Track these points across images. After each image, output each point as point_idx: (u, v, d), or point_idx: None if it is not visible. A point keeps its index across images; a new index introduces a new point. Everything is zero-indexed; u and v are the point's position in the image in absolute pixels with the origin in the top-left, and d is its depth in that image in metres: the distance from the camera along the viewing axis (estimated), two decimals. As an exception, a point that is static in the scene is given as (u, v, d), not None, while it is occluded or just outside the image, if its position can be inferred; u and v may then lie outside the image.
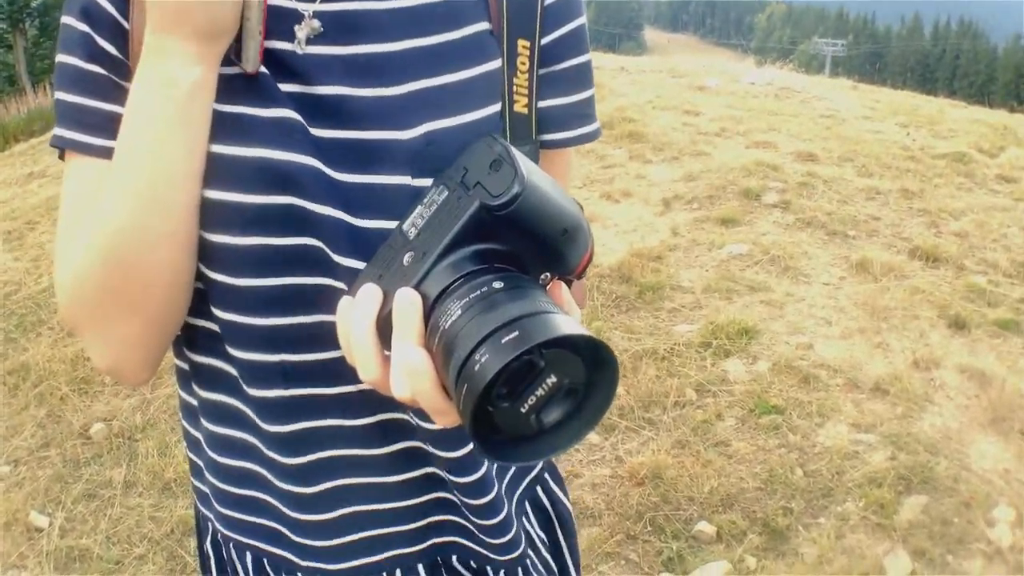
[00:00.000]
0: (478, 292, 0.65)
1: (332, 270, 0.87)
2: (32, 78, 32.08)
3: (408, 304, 0.68)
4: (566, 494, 1.25)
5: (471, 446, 0.95)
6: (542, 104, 0.98)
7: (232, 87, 0.85)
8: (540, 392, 0.62)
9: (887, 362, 4.25)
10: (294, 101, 0.86)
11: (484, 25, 0.93)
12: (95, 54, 0.87)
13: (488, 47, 0.93)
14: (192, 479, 1.14)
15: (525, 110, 0.96)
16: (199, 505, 1.16)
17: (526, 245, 0.72)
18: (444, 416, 0.67)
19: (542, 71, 0.97)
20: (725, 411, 3.88)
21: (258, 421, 0.97)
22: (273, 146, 0.84)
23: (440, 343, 0.65)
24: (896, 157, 7.61)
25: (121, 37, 0.86)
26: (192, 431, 1.10)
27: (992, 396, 4.01)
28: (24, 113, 16.80)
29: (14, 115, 16.85)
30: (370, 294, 0.72)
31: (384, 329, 0.70)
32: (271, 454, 0.98)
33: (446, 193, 0.73)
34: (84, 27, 0.86)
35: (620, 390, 3.87)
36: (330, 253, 0.86)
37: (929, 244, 5.63)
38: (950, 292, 5.04)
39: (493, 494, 1.01)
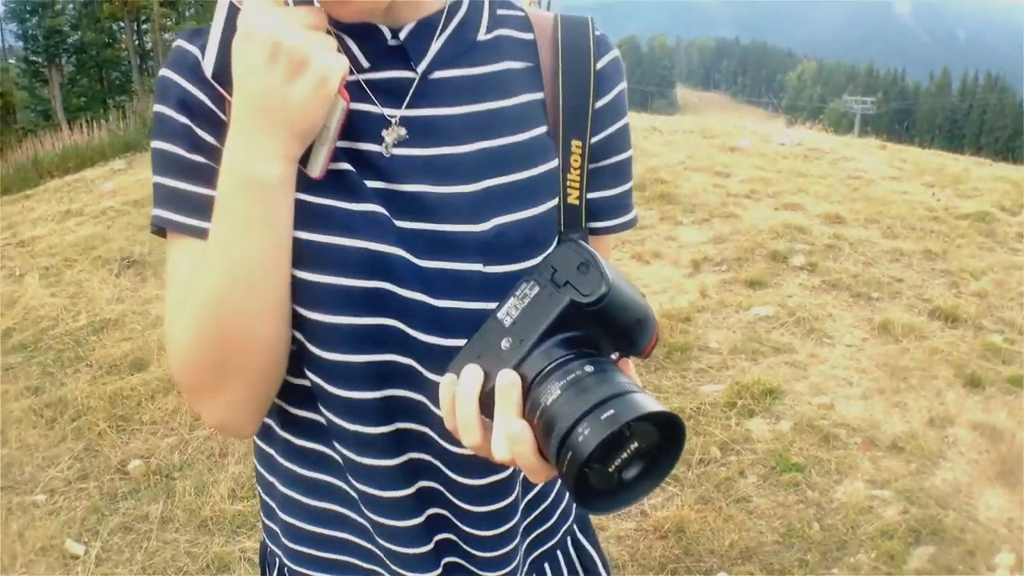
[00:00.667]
0: (573, 375, 0.78)
1: (412, 347, 0.99)
2: (68, 115, 32.39)
3: (510, 383, 0.79)
4: (596, 545, 1.34)
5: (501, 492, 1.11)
6: (590, 195, 1.09)
7: (322, 182, 0.96)
8: (624, 455, 0.75)
9: (904, 420, 4.47)
10: (379, 196, 0.97)
11: (543, 128, 1.04)
12: (197, 144, 0.97)
13: (547, 149, 1.04)
14: (263, 518, 1.24)
15: (577, 202, 1.07)
16: (268, 542, 1.25)
17: (604, 332, 0.84)
18: (538, 474, 0.80)
19: (591, 166, 1.08)
20: (748, 468, 4.11)
21: (347, 470, 1.08)
22: (366, 237, 0.95)
23: (541, 418, 0.77)
24: (921, 218, 7.80)
25: (218, 127, 0.96)
26: (267, 475, 1.18)
27: (1002, 450, 4.23)
28: (59, 149, 17.01)
29: (48, 150, 17.15)
30: (473, 373, 0.82)
31: (486, 403, 0.82)
32: (361, 487, 1.07)
33: (537, 288, 0.84)
34: (184, 119, 0.97)
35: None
36: (411, 331, 0.98)
37: (949, 304, 5.83)
38: (967, 351, 5.25)
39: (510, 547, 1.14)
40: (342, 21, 0.95)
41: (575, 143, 1.05)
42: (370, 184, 0.98)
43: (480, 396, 0.82)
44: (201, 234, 0.96)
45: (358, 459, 1.04)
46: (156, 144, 0.99)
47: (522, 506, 1.15)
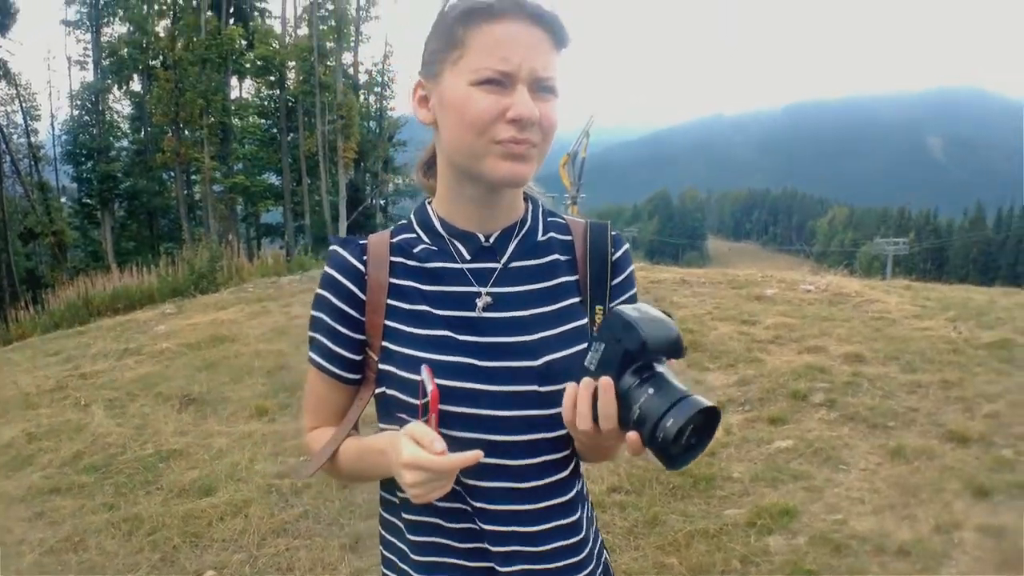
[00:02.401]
0: (651, 388, 1.26)
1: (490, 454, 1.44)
2: (117, 257, 33.53)
3: (608, 384, 1.28)
4: None
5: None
6: None
7: (427, 342, 1.49)
8: (688, 432, 1.23)
9: (912, 529, 4.80)
10: (468, 346, 1.48)
11: (577, 299, 1.55)
12: (343, 317, 1.54)
13: (580, 313, 1.55)
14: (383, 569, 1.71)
15: None
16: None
17: (654, 354, 1.29)
18: (611, 447, 1.50)
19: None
20: (766, 577, 4.46)
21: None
22: (459, 378, 1.46)
23: (637, 412, 1.26)
24: (940, 351, 8.14)
25: (358, 305, 1.53)
26: (390, 537, 1.66)
27: (1006, 546, 4.54)
28: (109, 290, 17.81)
29: (99, 290, 17.96)
30: (586, 383, 1.32)
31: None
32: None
33: (604, 345, 1.31)
34: (334, 299, 1.54)
35: (673, 560, 4.53)
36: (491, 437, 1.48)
37: (961, 427, 6.18)
38: (977, 466, 5.58)
39: None
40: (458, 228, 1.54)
41: (598, 308, 1.57)
42: (462, 338, 1.48)
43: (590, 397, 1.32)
44: (328, 373, 1.59)
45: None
46: (314, 312, 1.58)
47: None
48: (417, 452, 1.29)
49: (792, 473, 5.63)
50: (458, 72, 1.38)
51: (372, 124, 45.28)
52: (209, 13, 38.57)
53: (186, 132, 38.33)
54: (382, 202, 46.75)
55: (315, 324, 1.58)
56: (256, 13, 43.21)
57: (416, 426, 1.33)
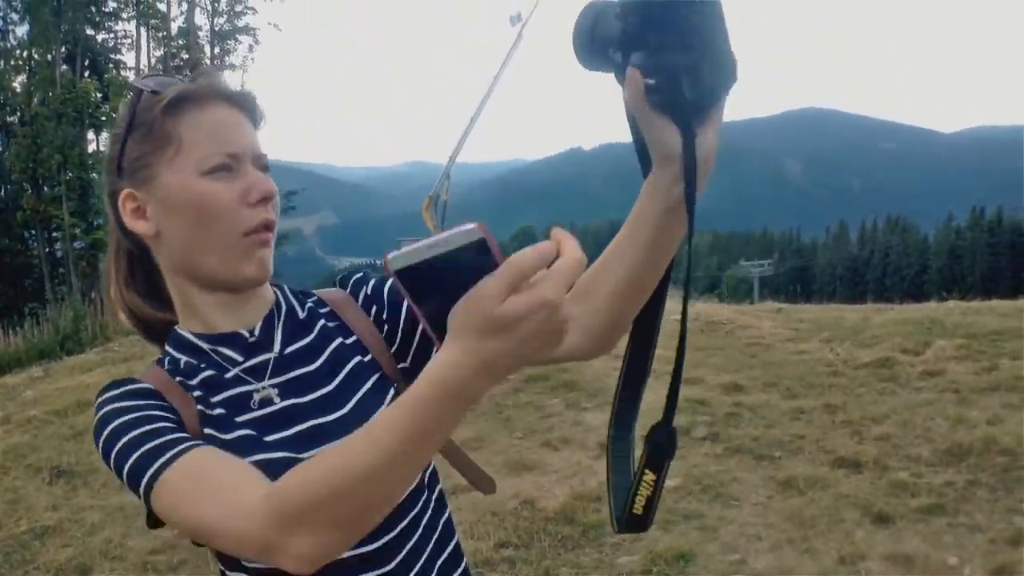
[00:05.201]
0: None
1: None
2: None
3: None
4: None
5: None
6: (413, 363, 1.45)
7: (233, 442, 1.24)
8: None
9: (815, 562, 4.53)
10: (284, 442, 1.27)
11: (363, 355, 1.39)
12: (163, 411, 1.24)
13: (375, 366, 1.38)
14: None
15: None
16: None
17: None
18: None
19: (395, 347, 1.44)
20: (665, 630, 4.13)
21: None
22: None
23: None
24: (820, 375, 8.06)
25: (175, 412, 1.24)
26: None
27: (915, 573, 4.31)
28: None
29: None
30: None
31: None
32: None
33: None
34: (149, 401, 1.24)
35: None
36: None
37: (851, 452, 5.99)
38: (873, 491, 5.36)
39: None
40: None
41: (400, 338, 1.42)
42: (273, 437, 1.26)
43: None
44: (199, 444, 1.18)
45: None
46: (127, 417, 1.20)
47: None
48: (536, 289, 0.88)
49: (683, 513, 5.33)
50: (179, 168, 1.24)
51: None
52: (64, 67, 37.64)
53: (45, 189, 37.24)
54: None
55: (134, 428, 1.18)
56: (111, 65, 42.31)
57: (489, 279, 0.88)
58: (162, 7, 40.22)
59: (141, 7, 39.75)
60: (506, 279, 0.87)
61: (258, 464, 1.16)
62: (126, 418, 1.19)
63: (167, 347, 1.35)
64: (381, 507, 1.03)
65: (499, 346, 0.88)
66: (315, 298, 1.46)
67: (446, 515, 1.43)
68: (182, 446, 1.15)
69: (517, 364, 0.91)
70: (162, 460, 1.13)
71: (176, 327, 1.35)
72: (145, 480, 1.13)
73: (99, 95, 39.33)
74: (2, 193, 41.31)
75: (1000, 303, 11.74)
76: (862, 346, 9.06)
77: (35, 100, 36.98)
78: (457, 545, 1.44)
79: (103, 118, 40.17)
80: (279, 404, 1.29)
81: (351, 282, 1.48)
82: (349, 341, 1.40)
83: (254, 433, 1.25)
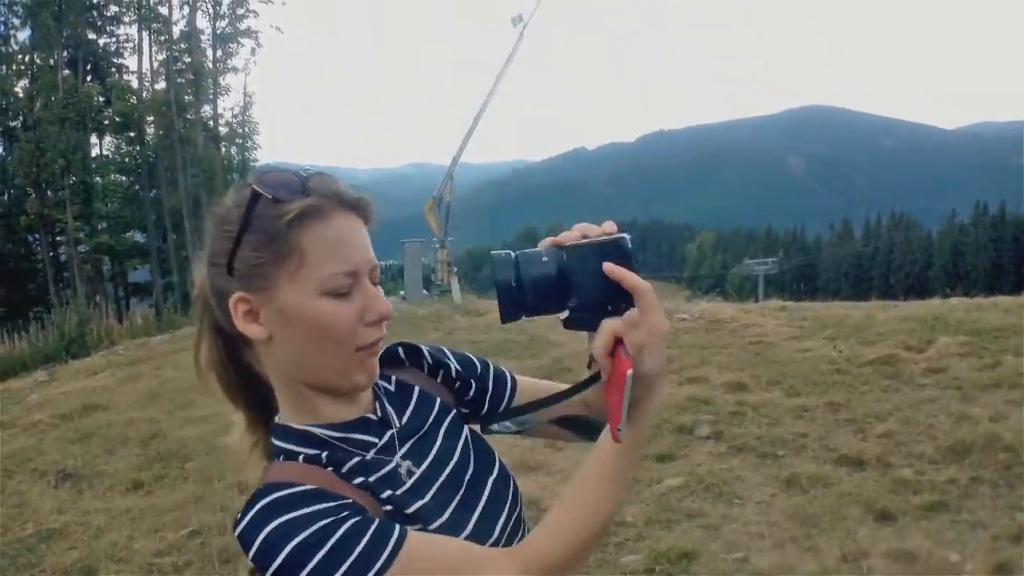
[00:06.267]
0: None
1: None
2: None
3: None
4: None
5: None
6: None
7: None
8: None
9: (818, 560, 4.53)
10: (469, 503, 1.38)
11: (453, 409, 1.51)
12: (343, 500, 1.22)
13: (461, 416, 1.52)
14: None
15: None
16: None
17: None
18: None
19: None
20: (668, 627, 4.13)
21: None
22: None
23: None
24: (823, 372, 8.05)
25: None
26: None
27: (918, 570, 4.31)
28: None
29: None
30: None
31: None
32: None
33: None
34: (326, 495, 1.20)
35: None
36: None
37: (854, 450, 5.99)
38: (876, 489, 5.37)
39: None
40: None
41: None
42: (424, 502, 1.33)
43: None
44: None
45: None
46: (325, 521, 1.13)
47: None
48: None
49: (686, 512, 5.34)
50: (300, 283, 1.22)
51: (235, 176, 44.55)
52: (66, 71, 37.55)
53: (48, 193, 37.16)
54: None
55: (331, 534, 1.10)
56: (113, 69, 42.22)
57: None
58: (164, 11, 39.96)
59: (143, 11, 39.48)
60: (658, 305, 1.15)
61: (439, 529, 1.26)
62: (315, 526, 1.10)
63: (279, 442, 1.30)
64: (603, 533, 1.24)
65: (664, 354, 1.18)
66: (385, 360, 1.50)
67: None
68: (394, 536, 1.12)
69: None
70: (382, 560, 1.09)
71: (286, 422, 1.32)
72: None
73: (101, 99, 39.34)
74: (5, 198, 41.07)
75: (1003, 299, 11.69)
76: (866, 343, 9.05)
77: (37, 104, 36.72)
78: None
79: (106, 121, 40.21)
80: (418, 472, 1.35)
81: (400, 354, 1.56)
82: (437, 403, 1.50)
83: (423, 502, 1.30)
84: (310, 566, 1.06)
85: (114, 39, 42.03)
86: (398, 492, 1.28)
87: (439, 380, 1.55)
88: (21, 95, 38.73)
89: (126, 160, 42.27)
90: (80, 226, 36.96)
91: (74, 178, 36.81)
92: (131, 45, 41.31)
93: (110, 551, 5.68)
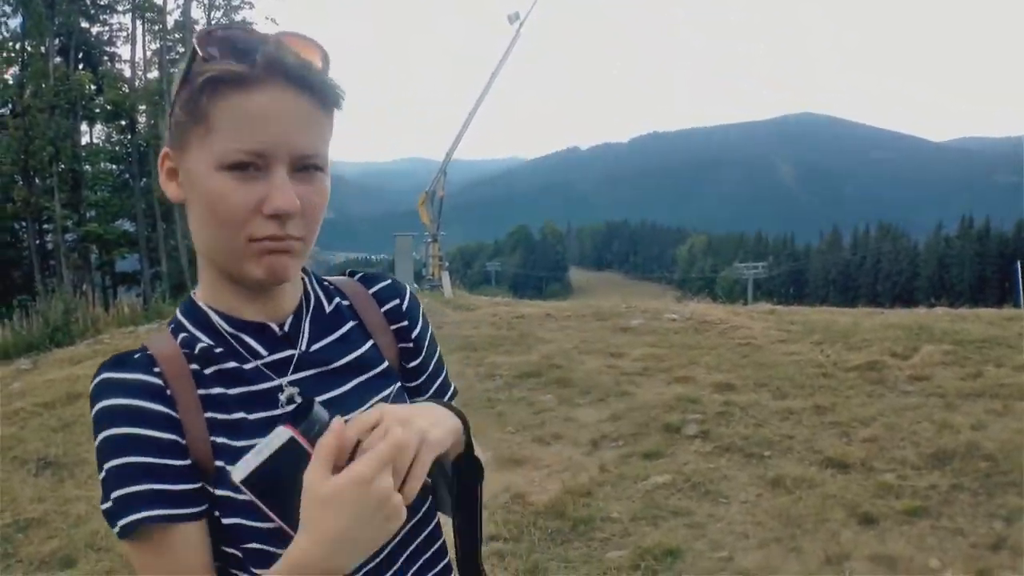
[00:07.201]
0: None
1: None
2: None
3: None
4: None
5: None
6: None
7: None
8: None
9: (800, 562, 4.59)
10: None
11: (383, 364, 1.37)
12: (159, 447, 1.15)
13: (393, 377, 1.37)
14: None
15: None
16: None
17: None
18: None
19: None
20: (652, 623, 4.18)
21: None
22: None
23: None
24: (810, 376, 8.11)
25: (175, 427, 1.16)
26: None
27: (899, 574, 4.37)
28: None
29: None
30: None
31: None
32: None
33: None
34: (141, 431, 1.15)
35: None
36: None
37: (839, 453, 6.05)
38: (859, 492, 5.43)
39: None
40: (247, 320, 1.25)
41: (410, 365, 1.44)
42: None
43: None
44: (179, 519, 1.13)
45: None
46: (117, 461, 1.13)
47: None
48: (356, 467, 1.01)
49: (672, 509, 5.39)
50: (205, 151, 1.14)
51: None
52: (58, 59, 37.33)
53: (36, 180, 36.92)
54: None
55: (123, 474, 1.13)
56: (105, 58, 42.07)
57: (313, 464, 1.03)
58: (158, 0, 39.89)
59: (137, 0, 39.43)
60: (321, 462, 1.00)
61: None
62: (119, 431, 1.14)
63: (181, 316, 1.27)
64: None
65: (336, 524, 0.99)
66: (336, 289, 1.41)
67: (431, 525, 1.40)
68: (156, 512, 1.12)
69: (367, 538, 1.03)
70: (135, 519, 1.12)
71: (195, 297, 1.28)
72: (116, 529, 1.13)
73: (93, 87, 39.12)
74: (-8, 185, 40.88)
75: (987, 311, 11.77)
76: (852, 349, 9.11)
77: (27, 92, 36.40)
78: (441, 547, 1.42)
79: (97, 110, 40.03)
80: (299, 403, 1.21)
81: (379, 285, 1.45)
82: (367, 346, 1.37)
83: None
84: (101, 466, 1.15)
85: (107, 28, 41.78)
86: (252, 415, 1.20)
87: (392, 328, 1.42)
88: (10, 82, 38.39)
89: (116, 148, 42.09)
90: (68, 214, 36.71)
91: (63, 166, 36.51)
92: (124, 34, 41.07)
93: (90, 540, 5.64)
